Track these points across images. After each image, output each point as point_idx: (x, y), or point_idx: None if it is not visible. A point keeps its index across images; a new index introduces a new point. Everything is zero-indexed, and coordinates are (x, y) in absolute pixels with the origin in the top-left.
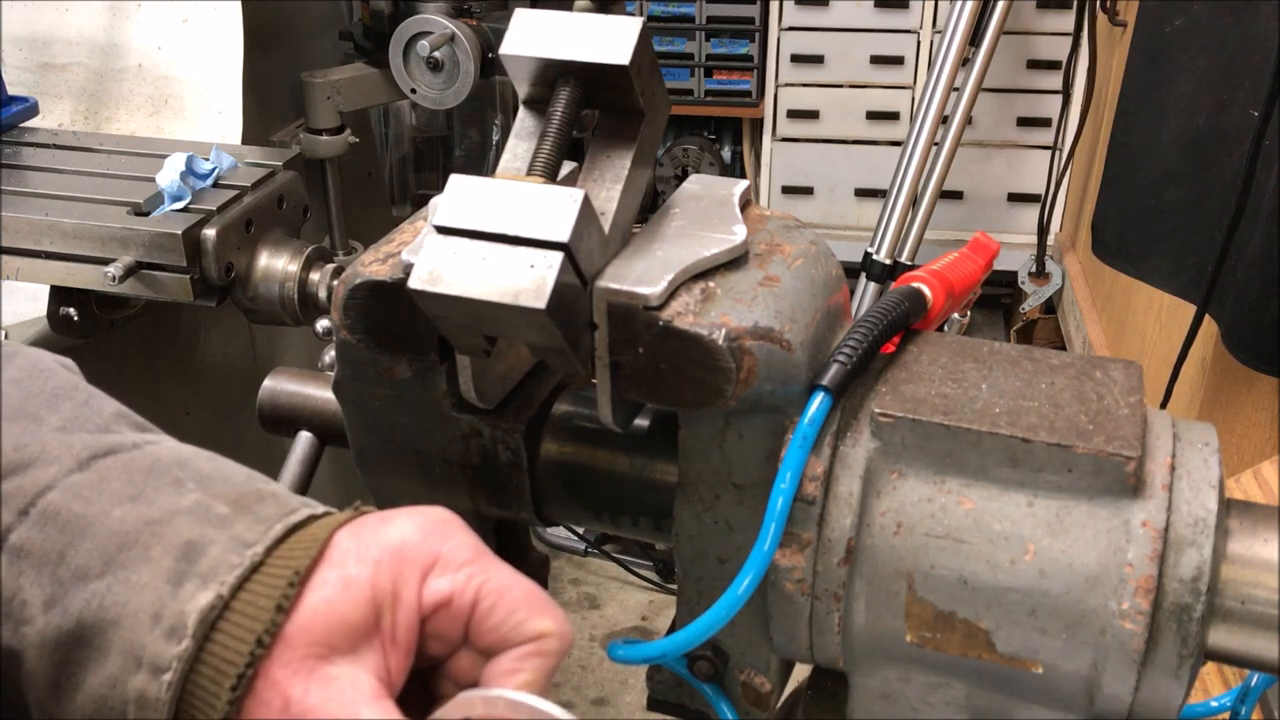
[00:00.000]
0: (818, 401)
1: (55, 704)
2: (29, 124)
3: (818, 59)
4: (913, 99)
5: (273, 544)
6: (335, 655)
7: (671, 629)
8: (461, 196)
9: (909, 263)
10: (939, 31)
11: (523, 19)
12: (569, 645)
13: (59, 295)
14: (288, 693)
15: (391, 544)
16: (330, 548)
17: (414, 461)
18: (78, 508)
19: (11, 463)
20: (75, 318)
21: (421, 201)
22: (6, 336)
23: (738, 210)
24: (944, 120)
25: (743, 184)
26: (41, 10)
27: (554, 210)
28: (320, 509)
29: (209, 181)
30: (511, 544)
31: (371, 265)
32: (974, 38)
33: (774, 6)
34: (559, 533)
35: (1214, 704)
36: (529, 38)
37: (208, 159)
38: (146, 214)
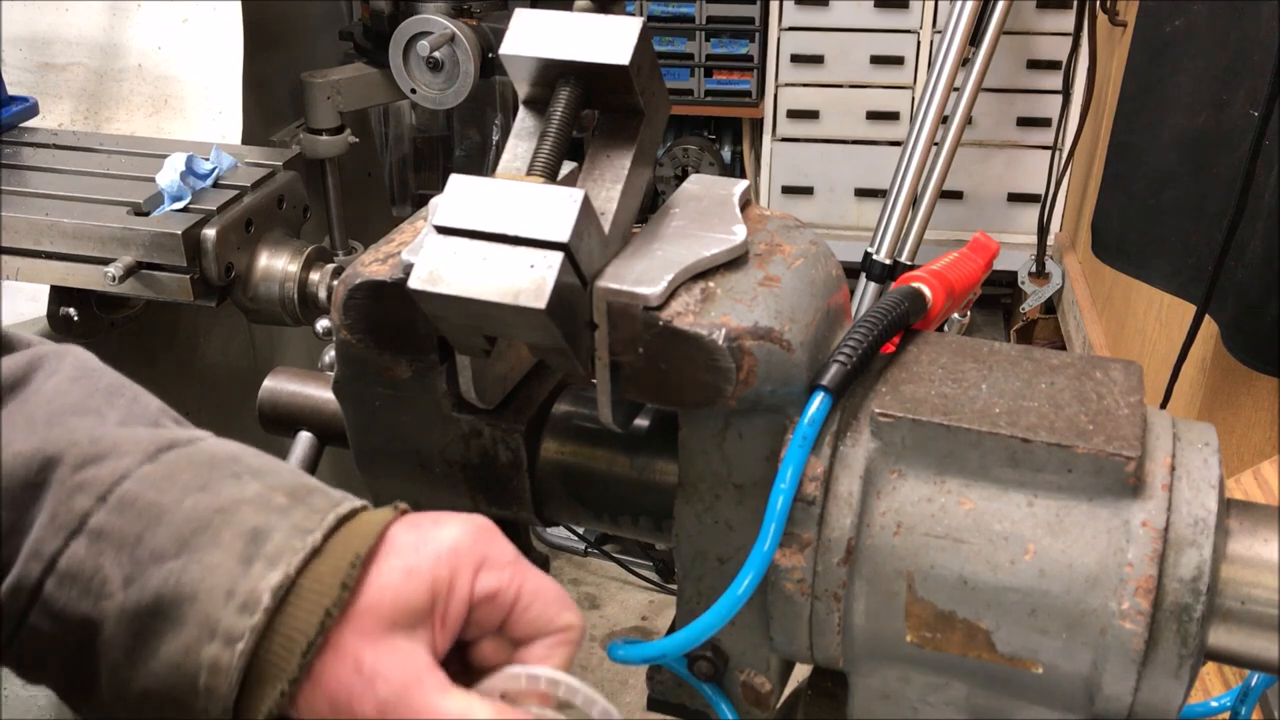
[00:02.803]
0: (818, 401)
1: (130, 668)
2: (29, 124)
3: (818, 59)
4: (913, 99)
5: (329, 531)
6: (398, 630)
7: (671, 629)
8: (461, 196)
9: (909, 263)
10: (939, 31)
11: (523, 19)
12: (585, 636)
13: (59, 295)
14: (359, 656)
15: (448, 542)
16: (392, 538)
17: (414, 461)
18: (153, 496)
19: (87, 454)
20: (75, 318)
21: (421, 201)
22: None
23: (738, 210)
24: (944, 120)
25: (743, 184)
26: (41, 10)
27: (554, 210)
28: (358, 502)
29: (209, 181)
30: (512, 544)
31: (371, 265)
32: (974, 38)
33: (774, 6)
34: (559, 533)
35: (1214, 704)
36: (529, 38)
37: (208, 159)
38: (146, 214)
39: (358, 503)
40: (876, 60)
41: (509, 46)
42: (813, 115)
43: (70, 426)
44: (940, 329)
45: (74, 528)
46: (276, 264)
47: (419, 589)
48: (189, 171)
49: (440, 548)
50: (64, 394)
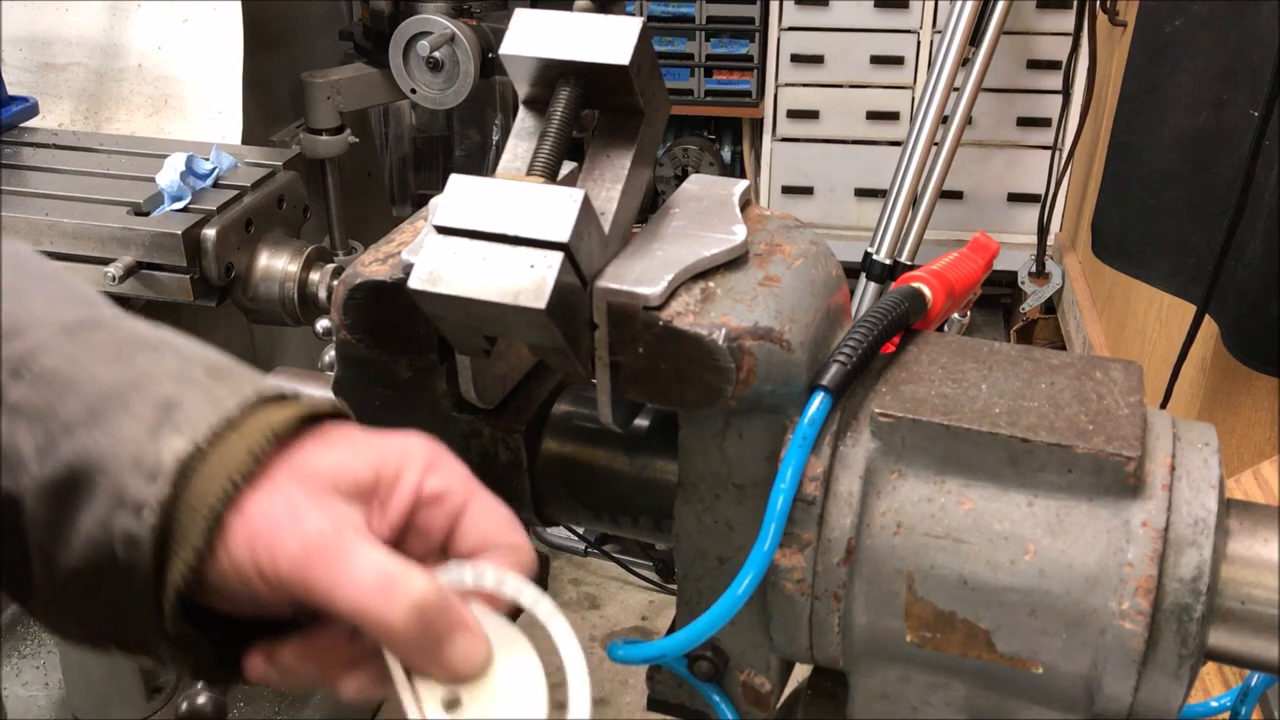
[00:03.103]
0: (818, 401)
1: (54, 545)
2: (29, 124)
3: (818, 59)
4: (913, 99)
5: (247, 405)
6: (337, 494)
7: (671, 629)
8: (461, 196)
9: (909, 263)
10: (939, 31)
11: (523, 19)
12: (535, 564)
13: None
14: (294, 496)
15: (401, 440)
16: (343, 428)
17: None
18: (66, 367)
19: (4, 331)
20: None
21: (421, 201)
22: None
23: (738, 210)
24: (944, 120)
25: (743, 184)
26: (41, 10)
27: (554, 210)
28: (296, 392)
29: (209, 181)
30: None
31: (371, 265)
32: (974, 38)
33: (774, 6)
34: (559, 533)
35: (1214, 704)
36: (529, 38)
37: (208, 159)
38: (146, 214)
39: (294, 392)
40: (876, 60)
41: (509, 46)
42: (813, 115)
43: None
44: (940, 329)
45: None
46: (276, 264)
47: (364, 466)
48: (189, 171)
49: (391, 442)
50: None
